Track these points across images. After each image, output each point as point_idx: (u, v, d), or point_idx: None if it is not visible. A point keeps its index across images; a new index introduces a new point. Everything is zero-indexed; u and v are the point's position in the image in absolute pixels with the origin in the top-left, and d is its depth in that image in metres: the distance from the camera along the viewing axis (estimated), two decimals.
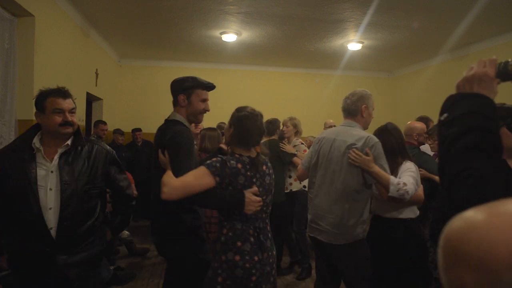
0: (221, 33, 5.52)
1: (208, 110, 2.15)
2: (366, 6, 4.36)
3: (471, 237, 0.44)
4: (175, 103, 2.12)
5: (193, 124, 2.39)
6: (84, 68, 5.21)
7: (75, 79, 4.76)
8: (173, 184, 1.72)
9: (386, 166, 2.20)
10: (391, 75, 8.34)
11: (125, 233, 4.43)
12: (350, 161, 2.16)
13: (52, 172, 1.79)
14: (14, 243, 1.82)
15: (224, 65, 7.65)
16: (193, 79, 2.08)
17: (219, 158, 1.78)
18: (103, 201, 2.04)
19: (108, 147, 2.06)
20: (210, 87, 2.15)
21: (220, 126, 4.44)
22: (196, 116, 2.12)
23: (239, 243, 1.73)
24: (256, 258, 1.73)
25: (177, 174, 1.78)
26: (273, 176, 1.92)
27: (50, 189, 1.77)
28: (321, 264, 2.41)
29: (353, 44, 5.90)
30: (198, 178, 1.72)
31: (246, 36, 5.67)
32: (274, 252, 1.86)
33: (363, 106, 2.34)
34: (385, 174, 2.15)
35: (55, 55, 4.15)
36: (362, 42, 5.84)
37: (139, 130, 6.40)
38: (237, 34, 5.52)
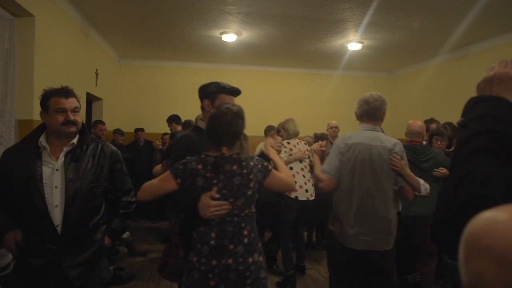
0: (221, 33, 5.52)
1: None
2: (366, 6, 4.35)
3: (495, 232, 0.46)
4: (202, 108, 2.14)
5: None
6: (84, 68, 5.21)
7: (75, 79, 4.76)
8: (143, 186, 1.81)
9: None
10: (391, 75, 8.34)
11: (126, 233, 4.44)
12: (391, 166, 2.24)
13: (57, 170, 1.82)
14: (16, 242, 1.83)
15: (224, 65, 7.64)
16: (217, 85, 2.09)
17: (184, 160, 1.75)
18: (107, 200, 2.04)
19: (113, 147, 2.08)
20: (234, 91, 2.12)
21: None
22: None
23: (198, 245, 1.70)
24: (214, 262, 1.65)
25: None
26: (250, 177, 1.72)
27: (56, 187, 1.80)
28: (356, 279, 2.39)
29: (353, 44, 5.90)
30: (162, 181, 1.76)
31: (246, 36, 5.67)
32: (252, 259, 1.70)
33: (384, 109, 2.39)
34: (415, 177, 2.31)
35: (55, 55, 4.15)
36: (362, 42, 5.84)
37: (142, 130, 6.40)
38: (237, 34, 5.52)
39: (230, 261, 1.65)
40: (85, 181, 1.85)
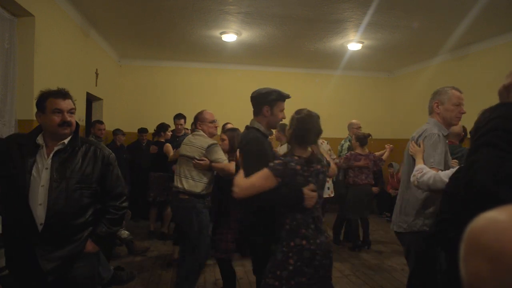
0: (221, 33, 5.52)
1: (285, 118, 2.40)
2: (366, 6, 4.36)
3: (492, 231, 0.49)
4: (258, 112, 2.37)
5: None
6: (84, 68, 5.22)
7: (75, 79, 4.76)
8: (242, 185, 2.05)
9: (435, 158, 2.28)
10: (391, 75, 8.34)
11: (125, 232, 4.44)
12: (410, 152, 2.41)
13: (46, 169, 1.84)
14: (4, 229, 1.90)
15: (224, 65, 7.65)
16: (278, 92, 2.35)
17: (281, 161, 2.05)
18: (98, 202, 2.01)
19: (107, 150, 2.05)
20: (287, 97, 2.41)
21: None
22: (275, 124, 2.41)
23: (303, 230, 2.03)
24: (318, 241, 2.04)
25: (246, 176, 2.10)
26: (326, 173, 2.22)
27: (42, 186, 1.82)
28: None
29: (353, 44, 5.90)
30: (263, 179, 2.03)
31: (246, 36, 5.67)
32: (327, 233, 2.16)
33: (434, 103, 2.42)
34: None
35: (55, 55, 4.15)
36: (362, 42, 5.84)
37: (146, 131, 6.37)
38: (237, 34, 5.53)
39: (323, 238, 2.08)
40: (72, 181, 1.85)
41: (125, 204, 2.07)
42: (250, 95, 2.41)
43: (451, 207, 1.75)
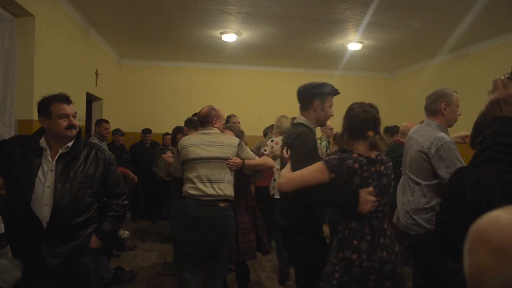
0: (221, 33, 5.52)
1: (333, 115, 2.27)
2: (366, 6, 4.36)
3: (494, 226, 0.53)
4: (307, 106, 2.21)
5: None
6: (84, 68, 5.21)
7: (75, 79, 4.76)
8: (288, 176, 1.86)
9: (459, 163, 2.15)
10: (391, 75, 8.34)
11: (125, 232, 4.44)
12: None
13: (51, 170, 1.93)
14: (11, 224, 2.00)
15: (224, 65, 7.64)
16: (330, 86, 2.21)
17: (337, 156, 1.83)
18: (100, 201, 2.13)
19: (108, 152, 2.16)
20: (338, 93, 2.27)
21: None
22: (325, 121, 2.27)
23: (355, 242, 1.76)
24: (373, 257, 1.74)
25: (294, 170, 1.91)
26: (392, 177, 1.89)
27: (48, 187, 1.91)
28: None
29: (353, 44, 5.90)
30: (312, 171, 1.80)
31: (246, 36, 5.67)
32: (396, 249, 1.84)
33: (443, 104, 2.32)
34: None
35: (55, 55, 4.15)
36: (362, 42, 5.84)
37: (150, 132, 6.40)
38: (237, 34, 5.53)
39: (384, 253, 1.76)
40: (75, 181, 1.95)
41: (126, 202, 2.19)
42: (297, 90, 2.28)
43: (450, 208, 1.75)
